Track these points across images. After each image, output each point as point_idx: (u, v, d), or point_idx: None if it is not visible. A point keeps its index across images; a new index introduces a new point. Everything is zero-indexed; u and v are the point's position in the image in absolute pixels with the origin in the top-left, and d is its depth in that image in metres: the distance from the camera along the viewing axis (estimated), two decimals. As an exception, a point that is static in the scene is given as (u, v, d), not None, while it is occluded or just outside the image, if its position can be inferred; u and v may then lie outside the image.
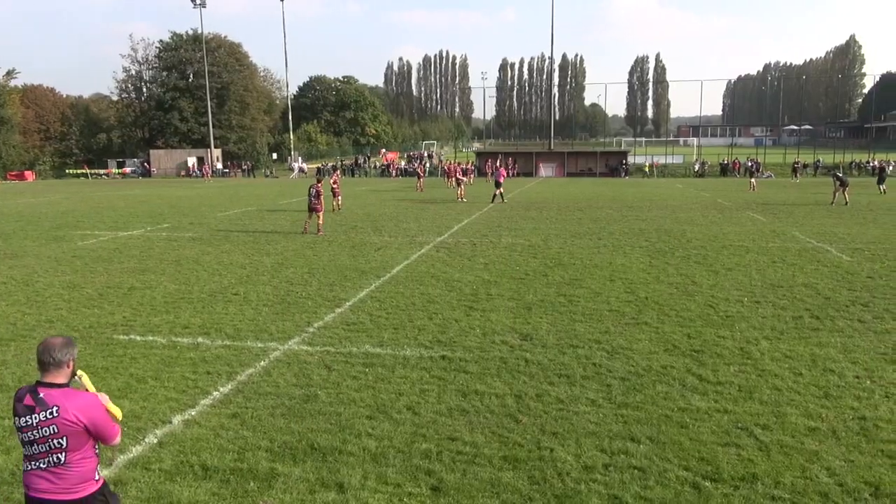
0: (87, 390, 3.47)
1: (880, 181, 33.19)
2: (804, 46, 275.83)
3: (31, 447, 3.27)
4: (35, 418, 3.21)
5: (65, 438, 3.22)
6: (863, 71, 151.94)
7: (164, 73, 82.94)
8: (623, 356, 8.05)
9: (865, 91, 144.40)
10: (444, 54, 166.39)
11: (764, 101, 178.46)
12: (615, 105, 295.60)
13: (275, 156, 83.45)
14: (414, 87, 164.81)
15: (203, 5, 72.00)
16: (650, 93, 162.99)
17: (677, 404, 6.55)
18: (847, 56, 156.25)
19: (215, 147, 76.93)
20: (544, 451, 5.59)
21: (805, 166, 60.25)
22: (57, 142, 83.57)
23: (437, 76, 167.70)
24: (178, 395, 6.86)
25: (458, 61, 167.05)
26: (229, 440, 5.82)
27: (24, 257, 15.79)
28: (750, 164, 52.04)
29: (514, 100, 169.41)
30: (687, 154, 76.52)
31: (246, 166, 75.11)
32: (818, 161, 63.42)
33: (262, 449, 5.64)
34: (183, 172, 73.34)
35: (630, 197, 35.32)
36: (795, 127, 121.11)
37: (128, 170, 74.75)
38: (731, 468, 5.26)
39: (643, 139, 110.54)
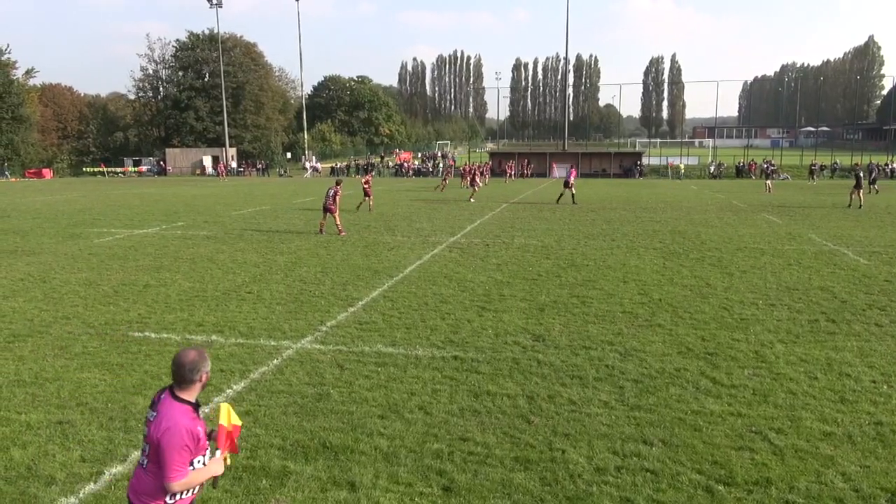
0: (221, 422, 3.42)
1: (872, 182, 31.98)
2: (822, 47, 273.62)
3: (144, 441, 3.37)
4: (150, 414, 3.35)
5: (148, 446, 3.28)
6: (882, 72, 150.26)
7: (181, 73, 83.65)
8: (636, 358, 8.01)
9: (884, 93, 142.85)
10: (459, 54, 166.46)
11: (780, 103, 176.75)
12: (630, 106, 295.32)
13: (289, 155, 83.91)
14: (428, 87, 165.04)
15: (219, 5, 72.48)
16: (665, 94, 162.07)
17: (690, 407, 6.51)
18: (866, 57, 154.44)
19: (230, 146, 77.45)
20: (556, 452, 5.57)
21: (822, 168, 59.65)
22: (74, 140, 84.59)
23: (452, 76, 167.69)
24: (191, 393, 6.90)
25: (472, 61, 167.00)
26: (242, 438, 5.85)
27: (42, 254, 15.97)
28: (766, 165, 51.59)
29: (528, 100, 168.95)
30: (702, 155, 75.99)
31: (260, 165, 75.57)
32: (836, 163, 62.78)
33: (274, 447, 5.67)
34: (199, 171, 73.90)
35: (644, 198, 35.13)
36: (812, 129, 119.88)
37: (144, 168, 75.48)
38: (744, 472, 5.22)
39: (658, 140, 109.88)
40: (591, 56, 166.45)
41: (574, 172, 34.21)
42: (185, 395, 3.29)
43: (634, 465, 5.35)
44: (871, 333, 9.02)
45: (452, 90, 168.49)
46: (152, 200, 33.99)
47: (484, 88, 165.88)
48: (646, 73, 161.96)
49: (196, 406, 3.33)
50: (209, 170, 73.14)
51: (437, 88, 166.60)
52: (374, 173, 35.44)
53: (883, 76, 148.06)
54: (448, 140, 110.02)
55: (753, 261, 14.84)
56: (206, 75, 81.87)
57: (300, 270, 13.74)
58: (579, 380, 7.27)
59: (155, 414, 3.26)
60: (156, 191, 43.40)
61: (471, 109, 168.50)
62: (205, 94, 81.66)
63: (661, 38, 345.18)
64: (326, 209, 19.72)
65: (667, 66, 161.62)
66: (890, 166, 60.01)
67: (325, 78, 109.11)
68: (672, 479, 5.14)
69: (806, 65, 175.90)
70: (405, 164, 72.25)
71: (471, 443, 5.74)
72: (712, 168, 63.64)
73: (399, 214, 26.00)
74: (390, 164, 76.00)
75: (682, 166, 64.51)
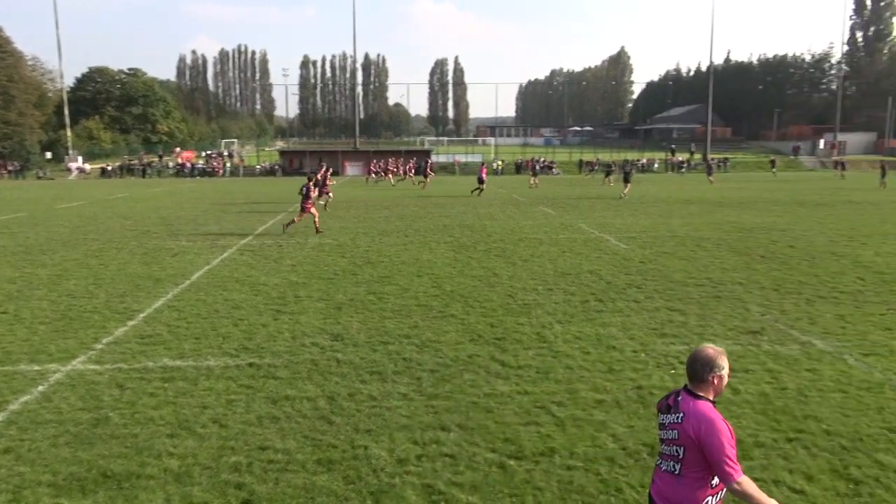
0: None
1: (626, 180, 36.25)
2: (583, 55, 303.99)
3: (661, 445, 3.27)
4: (668, 418, 3.20)
5: (682, 448, 3.10)
6: (632, 79, 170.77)
7: None
8: (432, 349, 8.30)
9: (634, 97, 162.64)
10: (244, 48, 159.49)
11: (552, 104, 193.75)
12: (418, 105, 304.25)
13: (49, 155, 74.54)
14: (210, 83, 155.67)
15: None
16: (450, 94, 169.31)
17: (483, 390, 6.90)
18: (619, 65, 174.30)
19: (-28, 145, 66.95)
20: (358, 449, 5.60)
21: (589, 164, 66.44)
22: None
23: (236, 71, 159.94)
24: (-69, 435, 5.89)
25: (257, 57, 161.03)
26: (1, 479, 5.12)
27: None
28: (535, 162, 56.64)
29: (318, 98, 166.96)
30: (486, 153, 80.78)
31: (13, 167, 66.34)
32: (598, 159, 70.20)
33: (43, 484, 5.03)
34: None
35: (435, 194, 36.50)
36: (579, 128, 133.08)
37: None
38: (532, 445, 5.65)
39: (445, 138, 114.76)
40: (379, 55, 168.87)
41: (484, 170, 36.96)
42: (702, 393, 3.16)
43: (434, 452, 5.55)
44: (631, 309, 10.24)
45: (238, 86, 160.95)
46: None
47: (271, 85, 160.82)
48: (431, 74, 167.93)
49: (714, 404, 3.17)
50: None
51: (220, 84, 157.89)
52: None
53: (633, 82, 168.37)
54: (235, 138, 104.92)
55: (533, 250, 16.10)
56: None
57: (67, 284, 12.32)
58: (378, 375, 7.37)
59: (680, 415, 3.11)
60: None
61: (258, 106, 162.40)
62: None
63: (446, 41, 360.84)
64: (303, 209, 19.34)
65: (451, 67, 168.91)
66: (641, 161, 68.47)
67: (91, 69, 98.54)
68: (469, 460, 5.41)
69: (571, 70, 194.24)
70: (187, 164, 67.86)
71: (270, 451, 5.57)
72: (495, 165, 67.82)
73: (183, 217, 24.36)
74: (170, 164, 70.80)
75: (466, 163, 67.95)
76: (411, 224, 21.80)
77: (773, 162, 62.65)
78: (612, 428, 5.98)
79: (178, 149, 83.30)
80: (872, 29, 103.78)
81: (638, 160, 53.74)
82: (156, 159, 72.75)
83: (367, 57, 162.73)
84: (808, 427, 5.95)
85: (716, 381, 3.15)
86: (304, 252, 15.97)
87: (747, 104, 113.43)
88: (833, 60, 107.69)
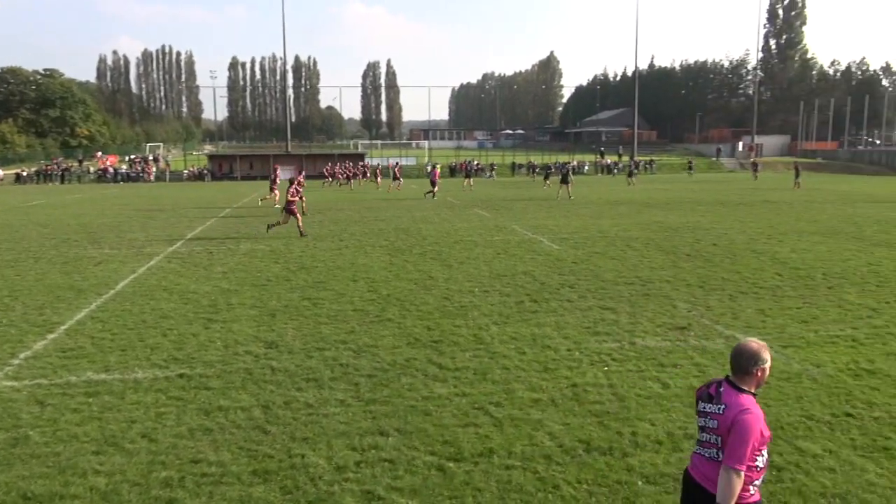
0: None
1: (564, 181, 37.03)
2: (515, 59, 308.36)
3: (700, 432, 3.43)
4: (709, 408, 3.34)
5: (720, 438, 3.26)
6: (561, 83, 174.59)
7: None
8: (369, 354, 8.25)
9: (564, 101, 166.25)
10: (168, 49, 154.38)
11: (484, 108, 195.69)
12: (351, 108, 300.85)
13: (-44, 160, 70.31)
14: (133, 84, 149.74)
15: None
16: (383, 97, 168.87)
17: (421, 394, 6.90)
18: (549, 69, 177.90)
19: None
20: (296, 458, 5.50)
21: (521, 166, 67.44)
22: None
23: (161, 73, 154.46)
24: None
25: (182, 58, 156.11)
26: None
27: None
28: (468, 165, 57.36)
29: (248, 100, 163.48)
30: (419, 156, 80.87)
31: (-86, 174, 62.18)
32: (531, 162, 71.34)
33: (-45, 510, 4.73)
34: None
35: (369, 198, 36.29)
36: (511, 131, 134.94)
37: None
38: (470, 446, 5.69)
39: (379, 142, 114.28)
40: (310, 58, 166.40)
41: (437, 172, 37.79)
42: (745, 386, 3.29)
43: (373, 458, 5.51)
44: (565, 309, 10.45)
45: (163, 88, 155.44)
46: None
47: (198, 87, 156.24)
48: (364, 77, 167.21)
49: (755, 396, 3.30)
50: None
51: (144, 86, 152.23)
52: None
53: (563, 86, 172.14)
54: (160, 142, 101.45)
55: (468, 252, 16.22)
56: None
57: (-20, 296, 11.63)
58: (315, 382, 7.27)
59: (723, 406, 3.25)
60: None
61: (185, 109, 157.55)
62: None
63: (378, 44, 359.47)
64: (292, 212, 19.45)
65: (383, 70, 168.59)
66: (572, 164, 69.96)
67: (3, 70, 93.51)
68: (408, 464, 5.40)
69: (503, 74, 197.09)
70: (110, 169, 65.25)
71: (203, 464, 5.41)
72: (429, 168, 67.98)
73: (106, 225, 23.40)
74: (91, 169, 67.89)
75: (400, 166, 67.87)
76: (346, 228, 21.61)
77: (690, 164, 65.91)
78: (548, 426, 6.09)
79: (99, 153, 79.97)
80: (784, 37, 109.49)
81: (568, 163, 55.65)
82: (75, 164, 69.63)
83: (297, 59, 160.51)
84: (733, 418, 6.20)
85: (759, 374, 3.31)
86: (236, 258, 15.60)
87: (671, 108, 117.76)
88: (749, 66, 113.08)
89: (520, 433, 5.95)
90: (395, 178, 44.03)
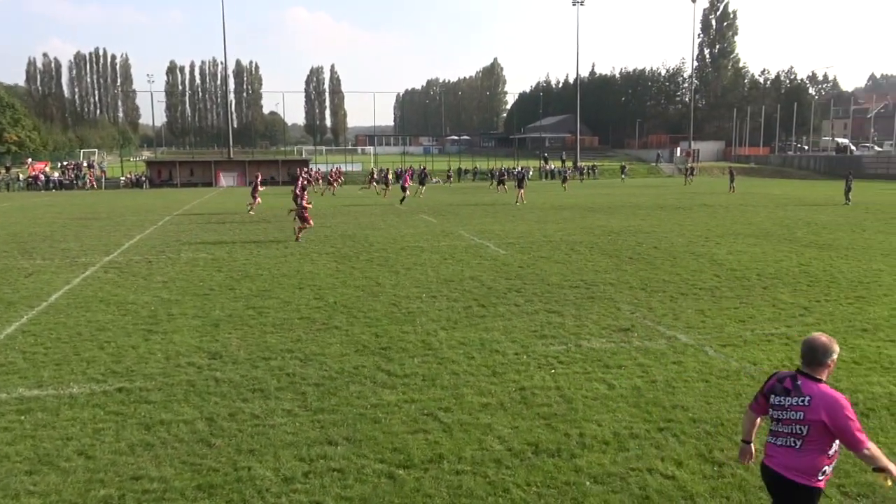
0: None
1: (520, 185, 37.68)
2: (459, 65, 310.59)
3: (777, 424, 3.64)
4: (787, 401, 3.56)
5: (807, 427, 3.47)
6: (504, 90, 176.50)
7: None
8: (316, 362, 8.14)
9: (508, 107, 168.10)
10: (102, 52, 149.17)
11: (429, 114, 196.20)
12: (294, 114, 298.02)
13: None
14: (66, 89, 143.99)
15: None
16: (327, 102, 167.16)
17: (370, 401, 6.85)
18: (493, 76, 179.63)
19: None
20: (242, 471, 5.38)
21: (466, 172, 67.83)
22: None
23: (95, 76, 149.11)
24: None
25: (118, 61, 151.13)
26: None
27: None
28: (423, 171, 57.30)
29: (188, 105, 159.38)
30: (365, 162, 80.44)
31: None
32: (476, 167, 71.91)
33: None
34: None
35: (315, 205, 35.80)
36: (456, 137, 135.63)
37: None
38: (420, 453, 5.67)
39: (323, 148, 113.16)
40: (251, 62, 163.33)
41: (408, 178, 38.73)
42: (820, 377, 3.53)
43: (322, 468, 5.43)
44: (512, 313, 10.54)
45: (97, 92, 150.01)
46: None
47: (135, 91, 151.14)
48: (307, 82, 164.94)
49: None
50: None
51: (77, 90, 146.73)
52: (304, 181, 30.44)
53: (506, 93, 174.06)
54: (95, 148, 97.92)
55: (415, 258, 16.20)
56: None
57: None
58: (261, 392, 7.13)
59: (807, 398, 3.47)
60: None
61: (121, 114, 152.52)
62: None
63: (322, 50, 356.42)
64: (305, 218, 19.66)
65: (327, 76, 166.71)
66: (518, 169, 70.80)
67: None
68: (358, 473, 5.34)
69: (447, 80, 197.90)
70: (41, 176, 62.67)
71: (145, 480, 5.23)
72: (376, 174, 67.65)
73: (38, 234, 22.44)
74: (21, 176, 65.03)
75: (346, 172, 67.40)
76: (291, 235, 21.29)
77: (622, 168, 68.91)
78: (497, 430, 6.12)
79: (29, 159, 76.60)
80: (718, 47, 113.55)
81: (513, 168, 56.53)
82: (3, 171, 66.57)
83: (238, 63, 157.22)
84: (676, 416, 6.38)
85: (831, 365, 3.60)
86: (177, 267, 15.18)
87: (612, 114, 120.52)
88: (685, 75, 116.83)
89: (469, 438, 5.96)
90: (329, 182, 45.28)
